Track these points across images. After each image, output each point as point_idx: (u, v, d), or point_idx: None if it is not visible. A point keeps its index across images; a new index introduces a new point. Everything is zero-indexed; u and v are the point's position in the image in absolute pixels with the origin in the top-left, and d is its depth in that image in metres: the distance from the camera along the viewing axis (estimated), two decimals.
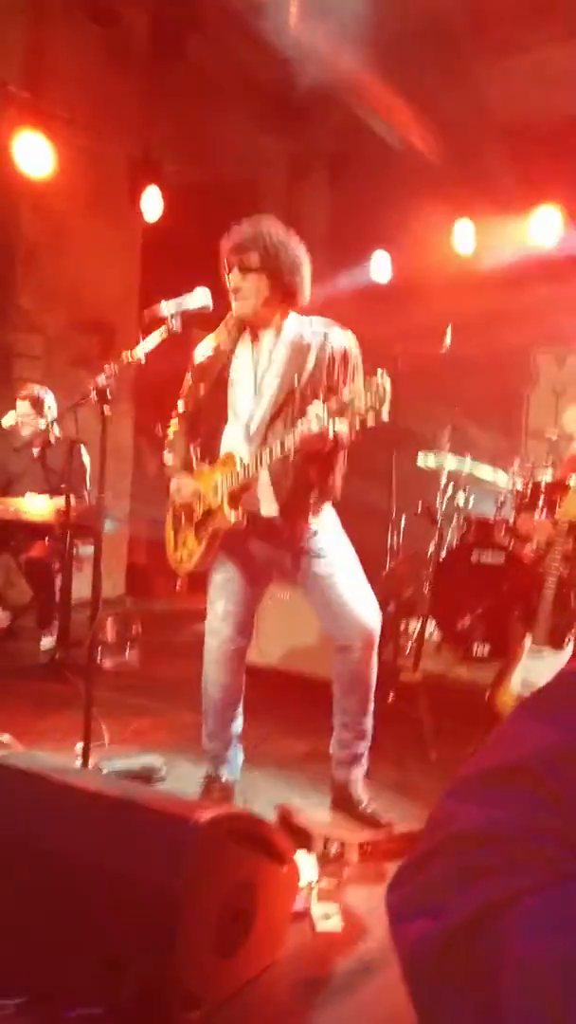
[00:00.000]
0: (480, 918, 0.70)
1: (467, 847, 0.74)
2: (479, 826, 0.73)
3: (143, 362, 2.69)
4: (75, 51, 6.19)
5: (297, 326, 2.78)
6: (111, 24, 6.11)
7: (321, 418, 2.45)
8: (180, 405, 2.99)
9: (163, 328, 2.72)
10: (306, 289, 2.78)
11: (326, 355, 2.70)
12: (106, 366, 2.67)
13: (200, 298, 2.75)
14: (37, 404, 4.98)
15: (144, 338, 2.70)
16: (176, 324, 2.70)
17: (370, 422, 2.39)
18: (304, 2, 5.19)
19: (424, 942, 0.73)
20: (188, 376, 2.96)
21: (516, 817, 0.72)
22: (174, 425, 3.01)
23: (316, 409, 2.47)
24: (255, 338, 2.81)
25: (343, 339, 2.74)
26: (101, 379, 2.67)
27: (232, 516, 2.71)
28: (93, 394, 2.66)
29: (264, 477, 2.71)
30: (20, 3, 5.99)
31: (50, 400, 5.04)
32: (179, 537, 2.93)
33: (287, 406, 2.69)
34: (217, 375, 2.83)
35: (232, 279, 2.71)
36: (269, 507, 2.76)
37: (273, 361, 2.75)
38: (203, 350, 2.91)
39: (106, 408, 2.68)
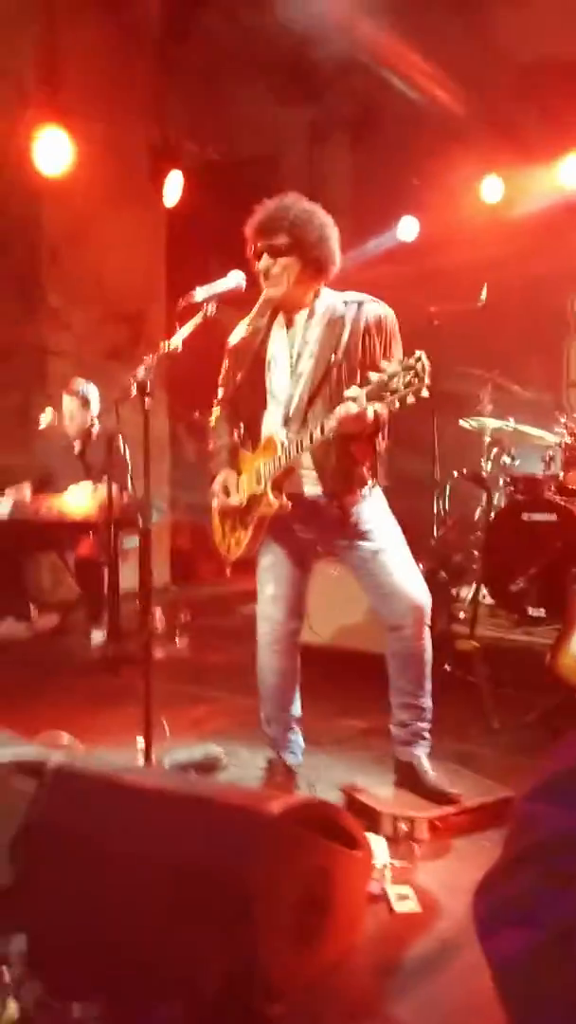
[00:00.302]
0: (571, 933, 0.65)
1: (555, 853, 0.69)
2: (566, 829, 0.69)
3: (180, 350, 2.65)
4: (87, 42, 6.12)
5: (330, 302, 2.72)
6: (121, 11, 6.01)
7: (359, 401, 2.38)
8: (220, 391, 2.96)
9: (199, 314, 2.68)
10: (336, 260, 2.73)
11: (360, 327, 2.64)
12: (145, 358, 2.64)
13: (233, 279, 2.70)
14: (83, 402, 5.01)
15: (180, 326, 2.66)
16: (211, 309, 2.65)
17: (410, 401, 2.33)
18: None
19: (517, 956, 0.69)
20: (225, 361, 2.91)
21: None
22: (216, 412, 2.97)
23: (354, 392, 2.41)
24: (289, 319, 2.77)
25: (377, 309, 2.68)
26: (140, 372, 2.63)
27: (276, 502, 2.67)
28: (134, 388, 2.63)
29: (306, 459, 2.67)
30: (31, 1, 5.92)
31: (93, 394, 5.05)
32: (226, 526, 2.90)
33: (325, 384, 2.64)
34: (253, 358, 2.80)
35: (261, 263, 2.66)
36: (313, 488, 2.72)
37: (308, 340, 2.70)
38: (238, 334, 2.87)
39: (147, 401, 2.64)
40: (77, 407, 5.01)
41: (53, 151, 5.64)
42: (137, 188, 6.42)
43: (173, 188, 6.32)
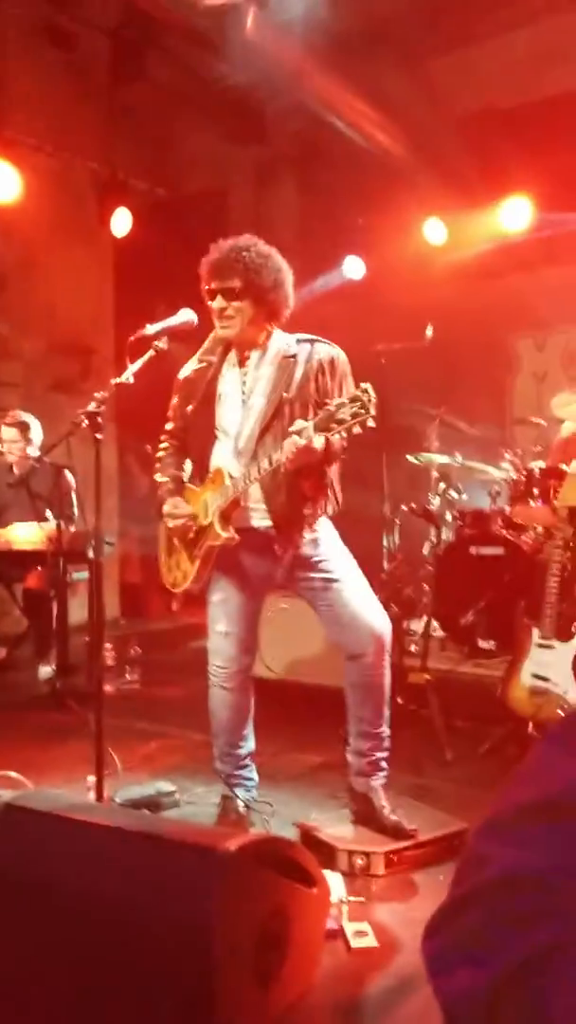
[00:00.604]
0: (522, 971, 0.65)
1: (503, 892, 0.69)
2: (514, 869, 0.69)
3: (131, 383, 2.65)
4: (37, 76, 6.17)
5: (282, 342, 2.76)
6: (71, 48, 6.08)
7: (306, 433, 2.40)
8: (168, 424, 2.95)
9: (150, 350, 2.69)
10: (289, 303, 2.77)
11: (313, 366, 2.68)
12: (96, 394, 2.63)
13: (184, 316, 2.73)
14: (23, 429, 4.95)
15: (131, 361, 2.66)
16: (163, 344, 2.67)
17: (356, 431, 2.37)
18: (259, 12, 5.17)
19: (466, 998, 0.69)
20: (175, 396, 2.91)
21: (552, 857, 0.68)
22: (164, 444, 2.96)
23: (300, 425, 2.43)
24: (241, 357, 2.79)
25: (329, 349, 2.73)
26: (92, 406, 2.62)
27: (223, 533, 2.66)
28: (84, 422, 2.61)
29: (255, 493, 2.67)
30: None
31: (34, 424, 5.00)
32: (172, 558, 2.89)
33: (276, 420, 2.66)
34: (204, 393, 2.81)
35: (215, 304, 2.68)
36: (262, 521, 2.73)
37: (260, 378, 2.73)
38: (189, 367, 2.88)
39: (98, 435, 2.63)
40: (16, 435, 4.95)
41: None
42: (85, 222, 6.45)
43: (120, 224, 6.36)
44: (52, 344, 6.58)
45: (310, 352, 2.70)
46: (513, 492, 4.84)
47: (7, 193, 5.68)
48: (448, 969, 0.71)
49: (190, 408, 2.85)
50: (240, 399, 2.76)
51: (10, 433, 4.94)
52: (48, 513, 4.71)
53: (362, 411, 2.33)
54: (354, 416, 2.34)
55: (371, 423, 2.37)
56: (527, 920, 0.68)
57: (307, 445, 2.44)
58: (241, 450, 2.71)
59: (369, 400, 2.33)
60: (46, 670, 4.74)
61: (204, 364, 2.84)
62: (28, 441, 4.94)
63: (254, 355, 2.76)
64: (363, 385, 2.38)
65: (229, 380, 2.80)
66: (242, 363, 2.79)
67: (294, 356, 2.70)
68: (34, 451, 4.90)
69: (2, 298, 6.28)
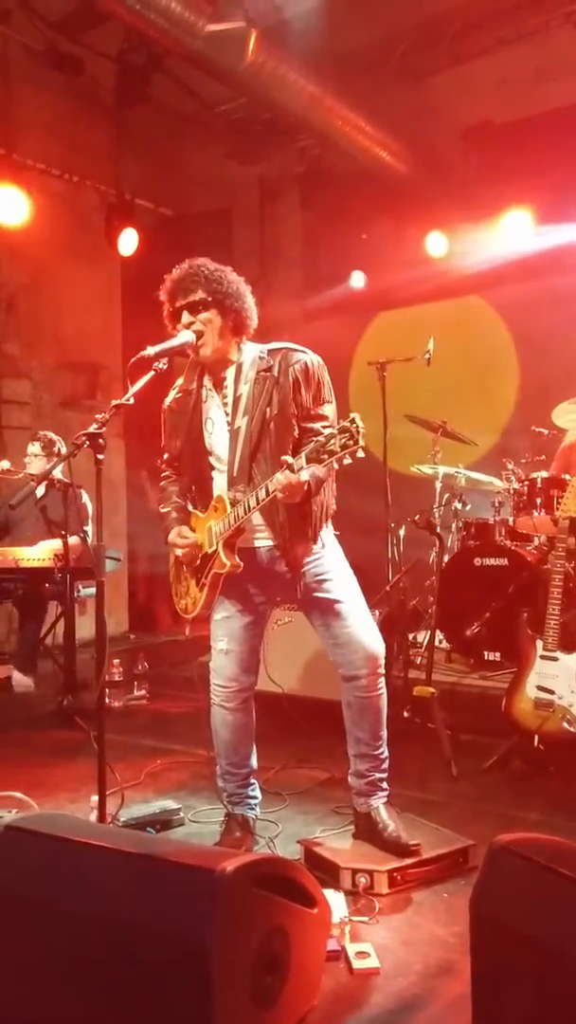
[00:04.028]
0: None
1: None
2: None
3: (131, 403, 2.66)
4: (44, 101, 6.28)
5: (254, 355, 2.74)
6: (77, 73, 6.17)
7: (297, 463, 2.40)
8: (165, 454, 2.97)
9: (151, 372, 2.71)
10: (254, 315, 2.76)
11: (289, 377, 2.66)
12: (96, 415, 2.65)
13: (184, 336, 2.74)
14: (48, 445, 5.04)
15: (132, 383, 2.68)
16: (163, 365, 2.68)
17: (347, 462, 2.38)
18: (261, 33, 5.23)
19: None
20: (163, 424, 2.93)
21: None
22: (164, 473, 2.99)
23: (290, 459, 2.43)
24: (217, 378, 2.79)
25: (301, 356, 2.70)
26: (92, 427, 2.64)
27: (228, 562, 2.67)
28: (86, 443, 2.64)
29: (256, 514, 2.68)
30: None
31: (59, 446, 5.10)
32: (182, 585, 2.89)
33: (264, 439, 2.66)
34: (189, 422, 2.81)
35: (183, 320, 2.69)
36: (265, 542, 2.75)
37: (240, 397, 2.72)
38: (170, 397, 2.89)
39: (99, 455, 2.65)
40: (39, 449, 5.03)
41: (8, 206, 5.74)
42: (93, 243, 6.53)
43: (128, 244, 6.44)
44: (61, 362, 6.65)
45: (284, 363, 2.68)
46: (516, 502, 4.84)
47: (16, 216, 5.79)
48: None
49: (178, 441, 2.87)
50: (225, 426, 2.75)
51: (34, 448, 5.04)
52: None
53: (351, 442, 2.34)
54: (343, 447, 2.34)
55: (360, 453, 2.38)
56: None
57: (298, 483, 2.44)
58: (236, 476, 2.71)
59: (357, 431, 2.34)
60: (23, 681, 4.73)
61: (184, 393, 2.85)
62: (50, 458, 4.99)
63: (229, 374, 2.76)
64: (352, 415, 2.39)
65: (213, 406, 2.80)
66: (219, 385, 2.78)
67: (269, 369, 2.68)
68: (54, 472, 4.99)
69: (11, 318, 6.37)
